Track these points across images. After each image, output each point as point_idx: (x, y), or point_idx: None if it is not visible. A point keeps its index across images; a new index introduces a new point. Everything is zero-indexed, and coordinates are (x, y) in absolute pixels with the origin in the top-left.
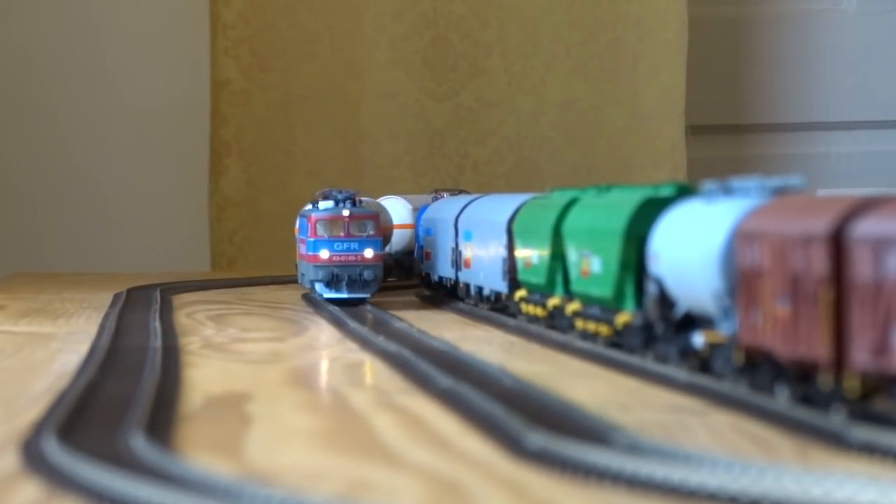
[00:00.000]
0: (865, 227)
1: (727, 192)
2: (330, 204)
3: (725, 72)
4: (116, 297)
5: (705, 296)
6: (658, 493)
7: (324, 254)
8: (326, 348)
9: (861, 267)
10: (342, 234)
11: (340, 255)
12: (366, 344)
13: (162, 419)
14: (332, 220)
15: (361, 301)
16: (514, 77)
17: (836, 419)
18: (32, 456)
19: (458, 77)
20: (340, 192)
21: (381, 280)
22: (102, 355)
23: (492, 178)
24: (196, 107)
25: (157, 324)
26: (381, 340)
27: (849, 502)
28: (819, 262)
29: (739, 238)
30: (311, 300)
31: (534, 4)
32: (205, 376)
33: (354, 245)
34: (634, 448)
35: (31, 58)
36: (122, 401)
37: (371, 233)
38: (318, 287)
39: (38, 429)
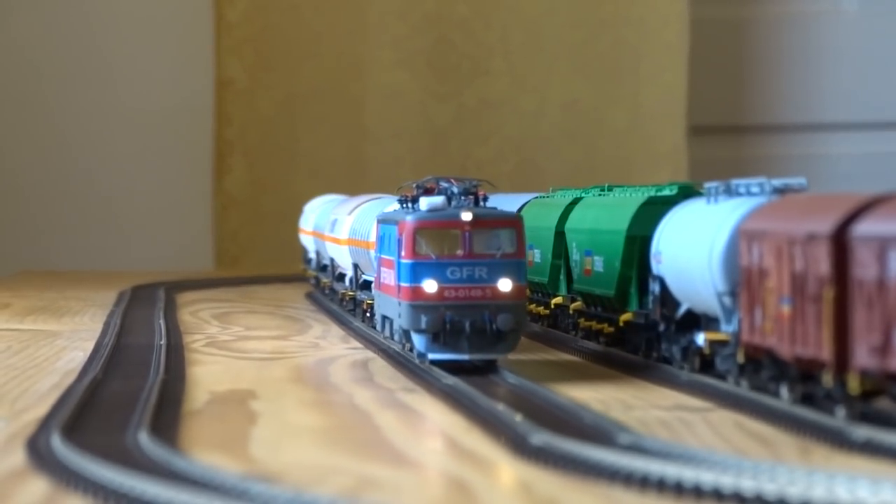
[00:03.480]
0: (868, 227)
1: (729, 192)
2: (438, 201)
3: (727, 73)
4: (121, 295)
5: (708, 295)
6: (660, 490)
7: (430, 286)
8: (330, 346)
9: (864, 266)
10: (461, 252)
11: (458, 288)
12: (370, 342)
13: (167, 417)
14: (446, 229)
15: (491, 364)
16: (517, 77)
17: (838, 418)
18: (38, 453)
19: (461, 77)
20: (451, 181)
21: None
22: (107, 353)
23: (494, 177)
24: (200, 106)
25: (162, 322)
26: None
27: (850, 500)
28: (822, 262)
29: (742, 238)
30: (314, 298)
31: (536, 5)
32: (209, 374)
33: (482, 271)
34: (637, 446)
35: (35, 57)
36: (127, 398)
37: (509, 251)
38: (418, 341)
39: (44, 426)
